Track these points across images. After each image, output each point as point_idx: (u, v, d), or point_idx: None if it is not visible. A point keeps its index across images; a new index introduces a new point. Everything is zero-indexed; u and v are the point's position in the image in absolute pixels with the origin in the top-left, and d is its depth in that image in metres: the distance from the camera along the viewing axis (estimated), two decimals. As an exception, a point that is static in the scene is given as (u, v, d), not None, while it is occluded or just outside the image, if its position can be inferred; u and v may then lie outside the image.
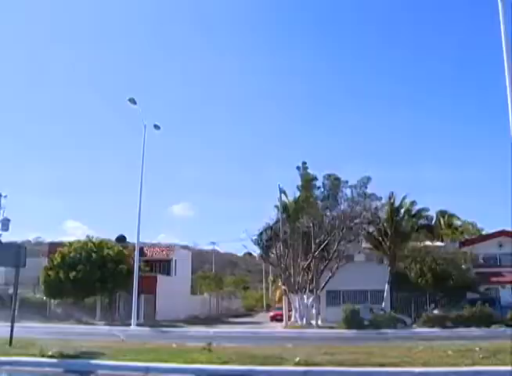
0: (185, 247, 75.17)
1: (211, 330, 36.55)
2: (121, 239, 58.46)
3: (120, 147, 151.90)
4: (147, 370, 13.57)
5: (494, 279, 48.00)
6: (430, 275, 45.08)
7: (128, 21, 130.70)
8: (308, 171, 49.37)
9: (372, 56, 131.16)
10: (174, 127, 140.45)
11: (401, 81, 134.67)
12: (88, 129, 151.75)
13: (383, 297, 45.46)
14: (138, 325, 39.91)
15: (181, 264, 60.35)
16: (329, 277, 44.17)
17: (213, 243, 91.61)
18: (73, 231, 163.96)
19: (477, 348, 16.38)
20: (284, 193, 49.56)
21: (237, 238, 78.21)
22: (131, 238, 55.17)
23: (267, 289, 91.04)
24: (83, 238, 50.01)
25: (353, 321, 37.79)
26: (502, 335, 26.60)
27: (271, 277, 79.75)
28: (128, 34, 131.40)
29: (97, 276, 45.21)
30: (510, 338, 21.53)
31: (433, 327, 37.19)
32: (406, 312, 43.24)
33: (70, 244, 48.95)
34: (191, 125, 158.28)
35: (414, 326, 38.90)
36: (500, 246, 52.48)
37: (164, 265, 57.48)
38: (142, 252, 51.17)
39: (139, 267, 43.69)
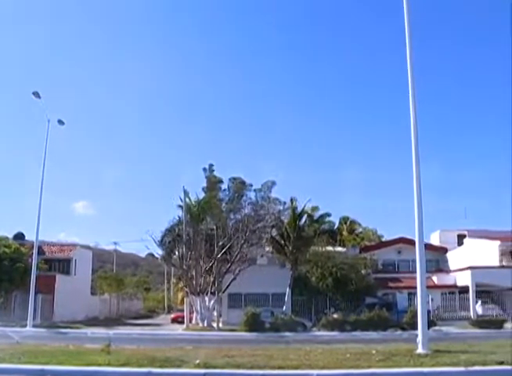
0: (86, 247, 73.50)
1: (111, 331, 35.84)
2: (19, 236, 56.80)
3: (20, 142, 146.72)
4: (43, 372, 13.15)
5: (392, 284, 49.70)
6: (330, 279, 46.08)
7: (34, 11, 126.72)
8: (215, 173, 49.46)
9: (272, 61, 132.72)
10: (78, 123, 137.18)
11: (308, 84, 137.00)
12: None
13: (284, 300, 45.93)
14: (34, 326, 38.68)
15: (81, 263, 58.93)
16: (232, 280, 44.25)
17: (115, 243, 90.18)
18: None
19: (373, 351, 16.91)
20: (187, 194, 49.19)
21: (140, 239, 77.16)
22: (29, 236, 53.68)
23: (169, 290, 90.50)
24: (-23, 235, 48.12)
25: (254, 324, 37.94)
26: (397, 338, 27.47)
27: (173, 279, 79.19)
28: (35, 26, 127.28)
29: (-8, 275, 43.64)
30: (405, 340, 22.33)
31: (332, 330, 37.79)
32: (307, 316, 43.75)
33: (-37, 240, 46.88)
34: (94, 122, 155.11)
35: (314, 329, 39.41)
36: (399, 252, 54.61)
37: (63, 265, 55.98)
38: (40, 250, 49.78)
39: (37, 266, 42.50)
